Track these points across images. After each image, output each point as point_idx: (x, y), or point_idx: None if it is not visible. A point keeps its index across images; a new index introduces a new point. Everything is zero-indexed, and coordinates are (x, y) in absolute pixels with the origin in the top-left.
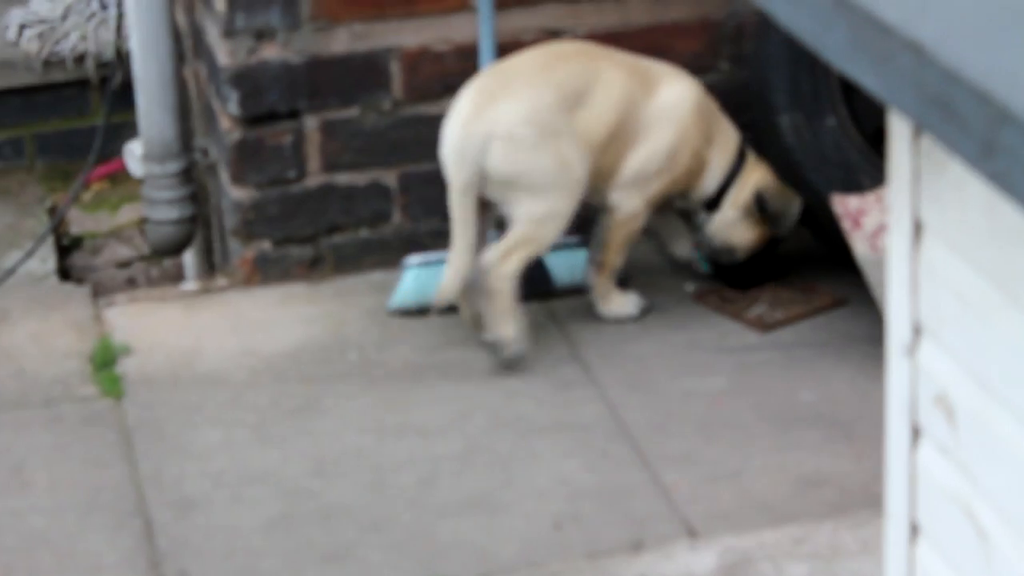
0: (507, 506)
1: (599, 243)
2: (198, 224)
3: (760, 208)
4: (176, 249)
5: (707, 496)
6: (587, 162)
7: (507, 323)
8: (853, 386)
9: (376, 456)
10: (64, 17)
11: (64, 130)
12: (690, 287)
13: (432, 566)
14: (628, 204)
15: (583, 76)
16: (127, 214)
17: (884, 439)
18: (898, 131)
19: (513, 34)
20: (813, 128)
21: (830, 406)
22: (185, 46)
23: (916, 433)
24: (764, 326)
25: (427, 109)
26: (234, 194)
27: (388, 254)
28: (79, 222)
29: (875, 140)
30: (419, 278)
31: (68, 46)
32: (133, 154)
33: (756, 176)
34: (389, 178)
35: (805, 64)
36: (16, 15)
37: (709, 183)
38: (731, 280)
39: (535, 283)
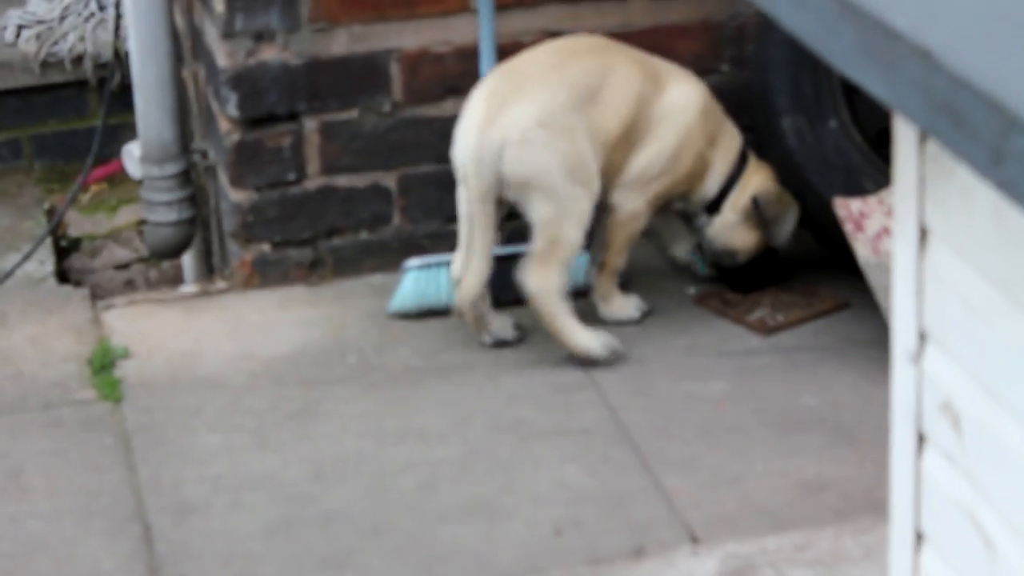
0: (507, 511)
1: (600, 244)
2: (197, 226)
3: (756, 213)
4: (175, 251)
5: (709, 501)
6: (600, 159)
7: (578, 333)
8: (855, 390)
9: (376, 461)
10: (62, 18)
11: (62, 131)
12: (691, 290)
13: (432, 572)
14: (629, 204)
15: (596, 73)
16: (125, 216)
17: (888, 445)
18: (904, 136)
19: (513, 35)
20: (815, 130)
21: (832, 410)
22: (184, 47)
23: (921, 440)
24: (766, 330)
25: (427, 111)
26: (233, 196)
27: (388, 257)
28: (77, 224)
29: (877, 142)
30: (419, 281)
31: (66, 47)
32: (131, 155)
33: (757, 180)
34: (389, 180)
35: (807, 66)
36: (14, 16)
37: (710, 185)
38: (733, 283)
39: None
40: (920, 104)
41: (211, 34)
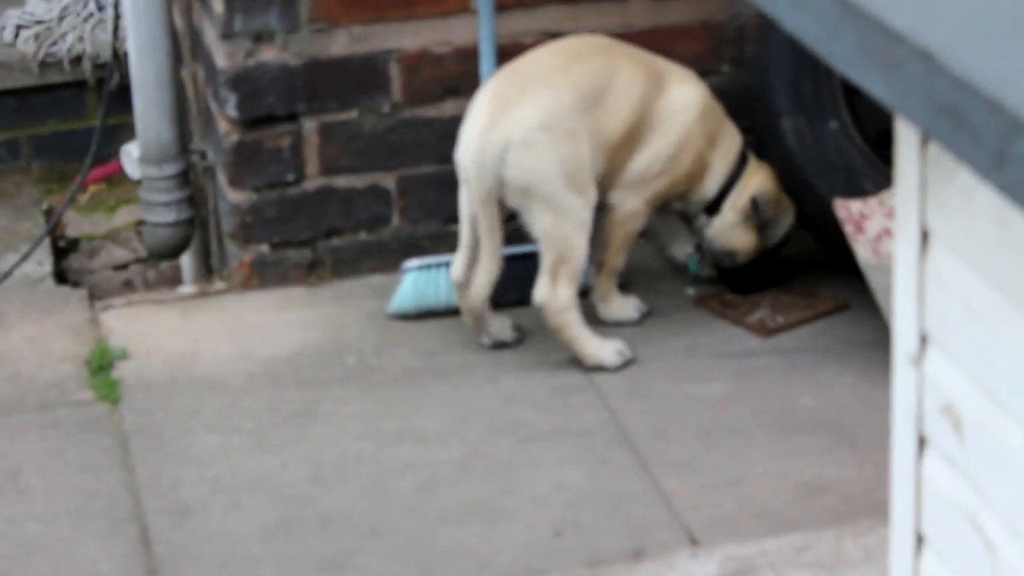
0: (507, 513)
1: (599, 243)
2: (195, 227)
3: (755, 214)
4: (173, 252)
5: (708, 503)
6: (600, 163)
7: (590, 344)
8: (855, 392)
9: (374, 462)
10: (61, 18)
11: (61, 132)
12: (691, 291)
13: (431, 573)
14: (628, 203)
15: (600, 75)
16: (124, 216)
17: (888, 446)
18: (905, 138)
19: (513, 36)
20: (815, 132)
21: (832, 412)
22: (183, 48)
23: (922, 443)
24: (765, 331)
25: (426, 112)
26: (232, 197)
27: (387, 257)
28: (76, 224)
29: (878, 144)
30: (418, 282)
31: (65, 47)
32: (130, 156)
33: (756, 180)
34: (388, 181)
35: (807, 67)
36: (12, 16)
37: (710, 186)
38: (732, 284)
39: (524, 288)
40: (922, 106)
41: (210, 35)
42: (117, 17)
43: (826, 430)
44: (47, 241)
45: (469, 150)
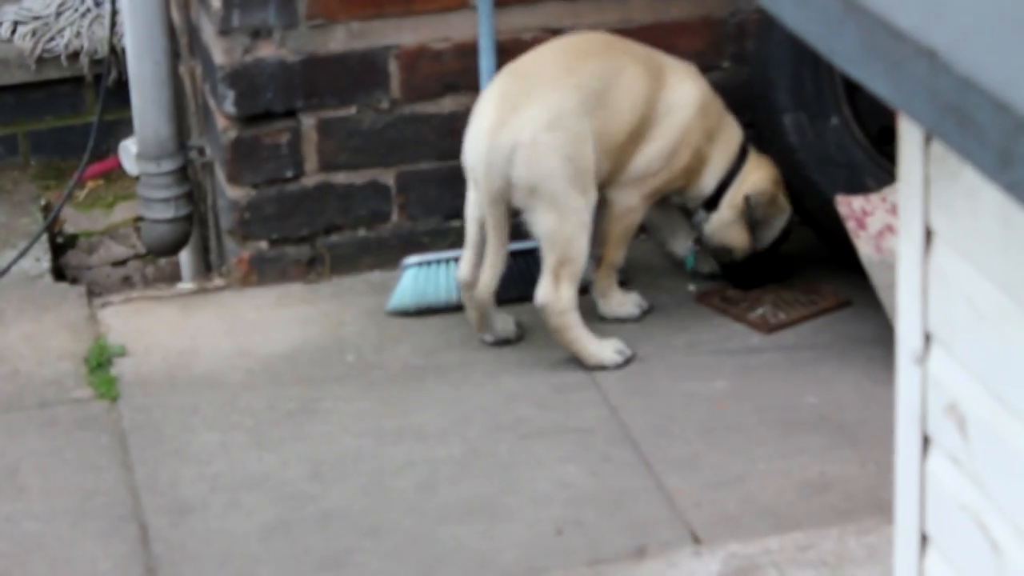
0: (508, 511)
1: (598, 239)
2: (194, 223)
3: (747, 213)
4: (172, 249)
5: (711, 501)
6: (604, 163)
7: (590, 345)
8: (857, 389)
9: (374, 460)
10: (58, 14)
11: (58, 128)
12: (692, 288)
13: (431, 572)
14: (625, 199)
15: (604, 75)
16: (122, 212)
17: (891, 444)
18: (909, 136)
19: (512, 32)
20: (816, 128)
21: (834, 409)
22: (181, 44)
23: (926, 443)
24: (767, 328)
25: (425, 108)
26: (230, 193)
27: (386, 254)
28: (74, 220)
29: (879, 140)
30: (418, 278)
31: (62, 43)
32: (128, 151)
33: (755, 177)
34: (387, 177)
35: (808, 63)
36: (9, 12)
37: (708, 181)
38: (733, 280)
39: (525, 284)
40: (926, 105)
41: (208, 31)
42: (114, 13)
43: (828, 427)
44: (45, 237)
45: (477, 150)
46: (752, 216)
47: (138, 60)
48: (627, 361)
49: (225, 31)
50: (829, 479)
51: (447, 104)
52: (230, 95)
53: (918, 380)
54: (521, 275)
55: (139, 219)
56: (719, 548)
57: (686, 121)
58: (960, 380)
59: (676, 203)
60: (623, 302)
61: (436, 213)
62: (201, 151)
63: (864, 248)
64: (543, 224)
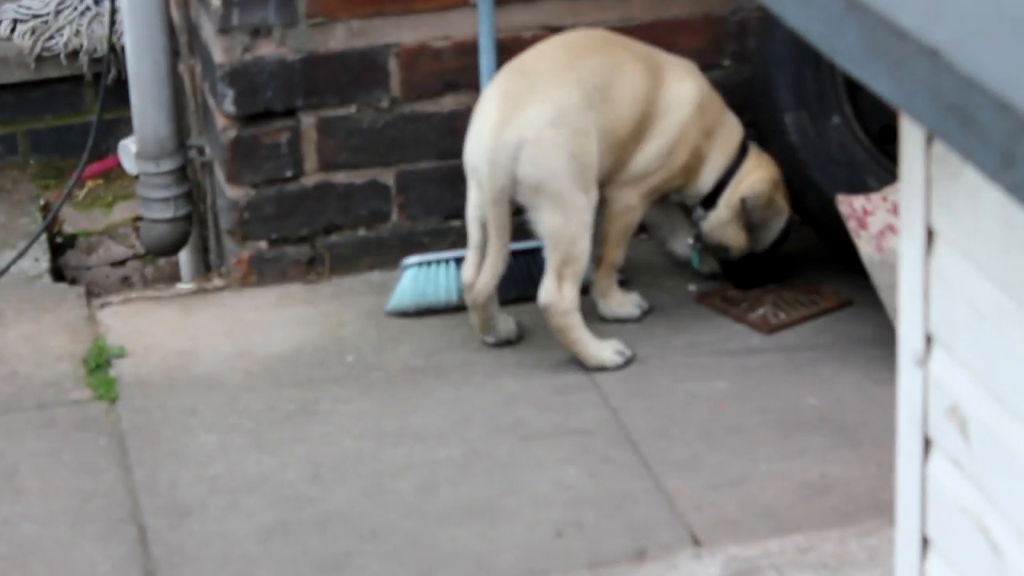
0: (507, 513)
1: (597, 239)
2: (193, 223)
3: (743, 214)
4: (171, 249)
5: (711, 503)
6: (607, 160)
7: (591, 346)
8: (859, 390)
9: (374, 462)
10: (57, 12)
11: (58, 127)
12: (692, 288)
13: (431, 575)
14: (624, 197)
15: (605, 71)
16: (121, 212)
17: (892, 445)
18: (910, 136)
19: (513, 30)
20: (818, 127)
21: (835, 410)
22: (180, 42)
23: (927, 445)
24: (768, 328)
25: (426, 107)
26: (229, 193)
27: (386, 254)
28: (73, 220)
29: (881, 139)
30: (417, 278)
31: (61, 41)
32: (128, 151)
33: (753, 177)
34: (387, 177)
35: (810, 61)
36: (9, 10)
37: (706, 179)
38: (733, 279)
39: (525, 284)
40: (928, 105)
41: (207, 29)
42: (114, 11)
43: (829, 429)
44: (44, 237)
45: (481, 149)
46: (748, 218)
47: (137, 59)
48: (627, 362)
49: (225, 29)
50: (830, 480)
51: (447, 103)
52: (230, 94)
53: (919, 382)
54: (521, 275)
55: (138, 219)
56: (719, 550)
57: (684, 119)
58: (962, 382)
59: (675, 201)
60: (623, 302)
61: (436, 213)
62: (201, 150)
63: (865, 248)
64: (547, 223)
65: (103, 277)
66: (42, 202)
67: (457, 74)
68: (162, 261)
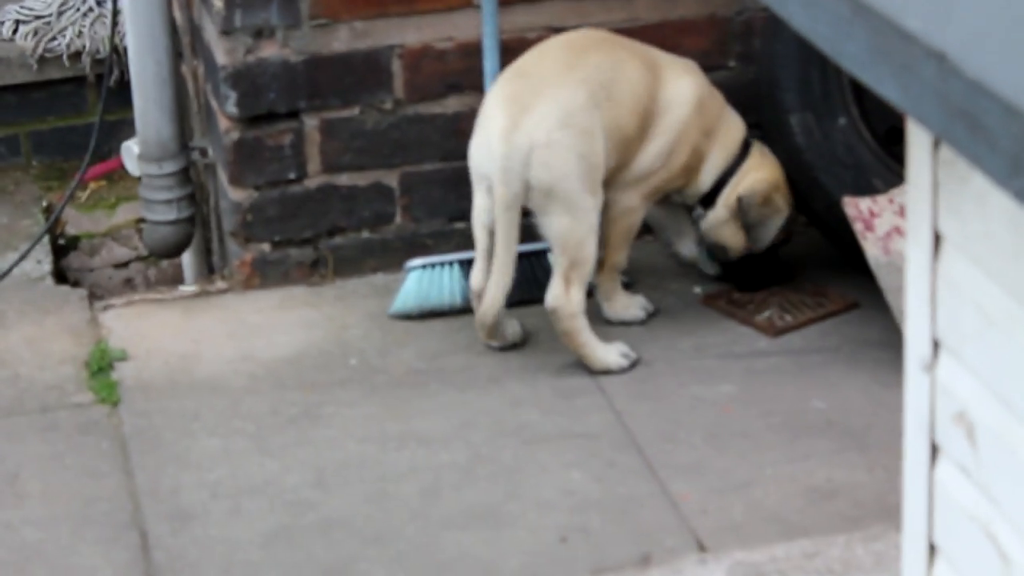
0: (512, 518)
1: (599, 241)
2: (196, 225)
3: (740, 214)
4: (174, 251)
5: (717, 508)
6: (612, 159)
7: (598, 349)
8: (866, 393)
9: (378, 466)
10: (59, 13)
11: (60, 128)
12: (698, 290)
13: None
14: (625, 199)
15: (607, 69)
16: (124, 214)
17: (899, 449)
18: (917, 140)
19: (517, 31)
20: (824, 128)
21: (842, 414)
22: (183, 43)
23: (935, 451)
24: (774, 330)
25: (429, 108)
26: (232, 195)
27: (390, 256)
28: (76, 222)
29: (887, 140)
30: (421, 281)
31: (64, 43)
32: (131, 152)
33: (752, 177)
34: (391, 179)
35: (816, 62)
36: (11, 11)
37: (705, 178)
38: (735, 281)
39: (530, 287)
40: (935, 109)
41: (210, 30)
42: (116, 12)
43: (836, 432)
44: (47, 239)
45: (492, 156)
46: (745, 217)
47: (140, 60)
48: (632, 365)
49: (227, 31)
50: (836, 485)
51: (451, 104)
52: (232, 95)
53: (926, 387)
54: (525, 277)
55: (141, 221)
56: (725, 556)
57: (683, 118)
58: (969, 388)
59: (677, 202)
60: (628, 305)
61: (440, 215)
62: (203, 152)
63: (871, 250)
64: (556, 226)
65: (106, 279)
66: (45, 204)
67: (461, 75)
68: (165, 263)
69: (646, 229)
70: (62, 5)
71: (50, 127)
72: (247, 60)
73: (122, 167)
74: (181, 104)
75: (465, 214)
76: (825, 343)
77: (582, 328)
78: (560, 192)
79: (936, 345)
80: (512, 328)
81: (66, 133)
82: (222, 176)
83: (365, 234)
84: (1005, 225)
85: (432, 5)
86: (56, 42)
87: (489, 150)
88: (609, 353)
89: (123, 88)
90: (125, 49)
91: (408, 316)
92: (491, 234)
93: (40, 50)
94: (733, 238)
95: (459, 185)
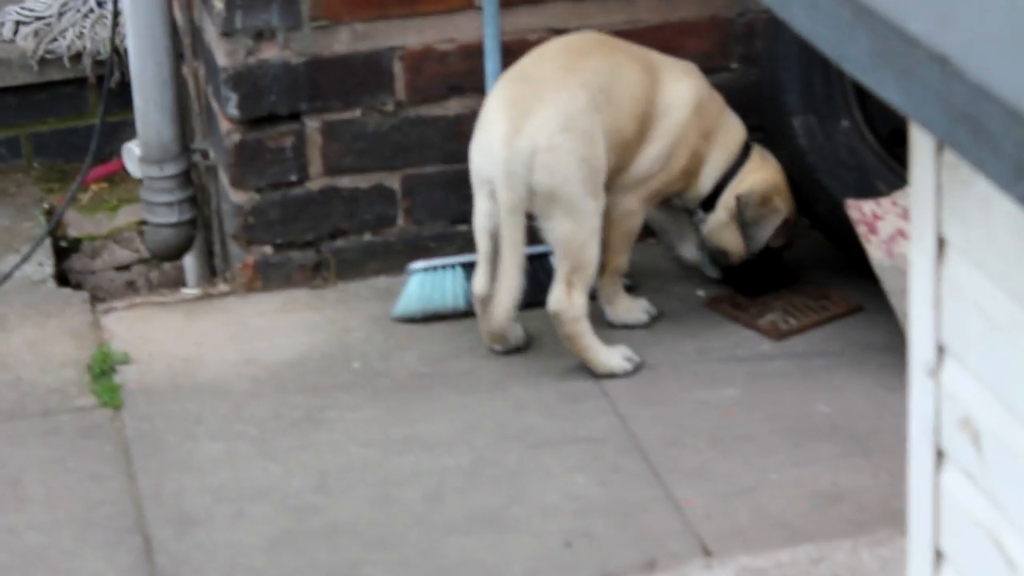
0: (515, 523)
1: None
2: (198, 228)
3: (737, 213)
4: (176, 253)
5: (721, 513)
6: (611, 161)
7: (601, 353)
8: (870, 397)
9: (381, 470)
10: (60, 14)
11: (61, 129)
12: (701, 293)
13: None
14: (623, 203)
15: (606, 72)
16: (126, 216)
17: (904, 453)
18: (920, 143)
19: (518, 33)
20: (827, 130)
21: (846, 418)
22: (184, 45)
23: (940, 457)
24: (778, 334)
25: (431, 110)
26: (234, 198)
27: (392, 259)
28: (77, 224)
29: (890, 142)
30: (424, 284)
31: (64, 44)
32: (132, 154)
33: (752, 179)
34: (392, 181)
35: (818, 65)
36: (11, 12)
37: (705, 182)
38: (735, 285)
39: (533, 290)
40: (938, 113)
41: (210, 32)
42: (117, 13)
43: (840, 436)
44: (48, 242)
45: (495, 161)
46: (741, 216)
47: (140, 61)
48: (636, 368)
49: (228, 32)
50: (842, 489)
51: (453, 106)
52: (233, 97)
53: (931, 393)
54: (528, 281)
55: (143, 222)
56: (730, 561)
57: (682, 121)
58: (974, 393)
59: (678, 204)
60: (631, 308)
61: (442, 217)
62: (205, 154)
63: (875, 253)
64: (559, 230)
65: (108, 282)
66: (46, 206)
67: (462, 77)
68: (167, 265)
69: (649, 232)
70: (63, 6)
71: (51, 129)
72: (248, 62)
73: (123, 169)
74: (182, 106)
75: (467, 216)
76: (829, 346)
77: (584, 332)
78: (562, 196)
79: (940, 350)
80: (515, 332)
81: (67, 135)
82: (223, 178)
83: (367, 237)
84: (1008, 229)
85: (433, 6)
86: (57, 43)
87: (491, 155)
88: (612, 357)
89: (124, 89)
90: (126, 50)
91: (411, 319)
92: (493, 239)
93: (41, 51)
94: (733, 242)
95: (461, 187)
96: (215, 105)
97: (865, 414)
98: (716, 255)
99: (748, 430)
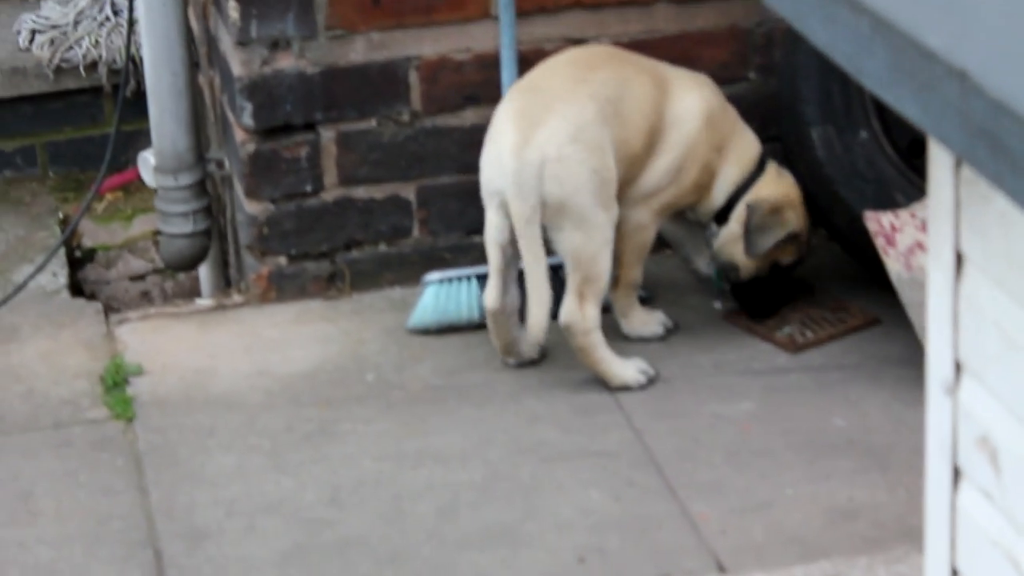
0: (529, 538)
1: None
2: (213, 238)
3: (746, 219)
4: (190, 264)
5: (736, 528)
6: (620, 173)
7: (614, 365)
8: (887, 411)
9: (394, 484)
10: (76, 23)
11: (77, 139)
12: (718, 305)
13: None
14: (635, 216)
15: (615, 84)
16: (141, 226)
17: (921, 469)
18: (939, 158)
19: (535, 43)
20: (845, 141)
21: (863, 433)
22: (199, 54)
23: (957, 475)
24: (794, 347)
25: (447, 120)
26: (248, 208)
27: (407, 270)
28: (92, 234)
29: (909, 154)
30: (439, 295)
31: (80, 53)
32: (147, 163)
33: (766, 191)
34: (408, 192)
35: (837, 75)
36: (27, 20)
37: (718, 195)
38: (743, 304)
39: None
40: (956, 129)
41: (226, 41)
42: (132, 22)
43: (857, 451)
44: (63, 251)
45: (504, 172)
46: (748, 222)
47: (155, 71)
48: (651, 381)
49: (243, 42)
50: (858, 505)
51: (469, 116)
52: (248, 107)
53: (948, 411)
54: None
55: (158, 233)
56: None
57: (692, 134)
58: (992, 411)
59: (691, 218)
60: (646, 321)
61: (458, 228)
62: (220, 164)
63: (893, 265)
64: (569, 242)
65: (122, 292)
66: (61, 215)
67: (478, 87)
68: (182, 276)
69: (665, 243)
70: (78, 15)
71: (66, 138)
72: (263, 71)
73: (139, 178)
74: (197, 115)
75: (483, 228)
76: (846, 360)
77: (597, 344)
78: (572, 207)
79: (958, 367)
80: (529, 343)
81: (82, 144)
82: (238, 188)
83: (382, 247)
84: None
85: (449, 16)
86: (72, 52)
87: (501, 166)
88: (627, 369)
89: (139, 98)
90: (141, 59)
91: (426, 331)
92: (504, 252)
93: (56, 60)
94: (743, 256)
95: (477, 198)
96: (230, 115)
97: (882, 428)
98: (726, 270)
99: (764, 444)
